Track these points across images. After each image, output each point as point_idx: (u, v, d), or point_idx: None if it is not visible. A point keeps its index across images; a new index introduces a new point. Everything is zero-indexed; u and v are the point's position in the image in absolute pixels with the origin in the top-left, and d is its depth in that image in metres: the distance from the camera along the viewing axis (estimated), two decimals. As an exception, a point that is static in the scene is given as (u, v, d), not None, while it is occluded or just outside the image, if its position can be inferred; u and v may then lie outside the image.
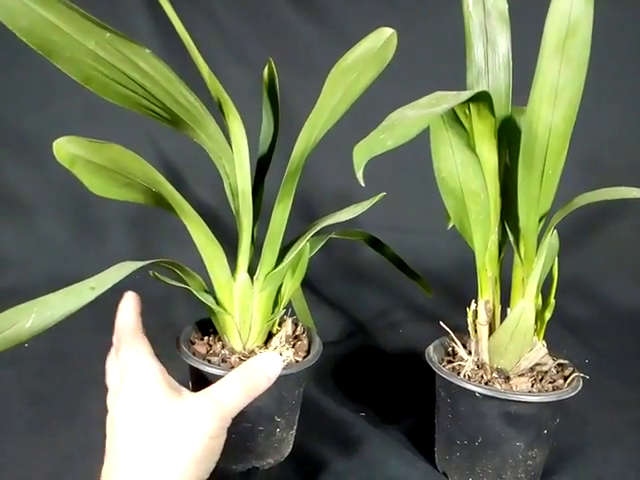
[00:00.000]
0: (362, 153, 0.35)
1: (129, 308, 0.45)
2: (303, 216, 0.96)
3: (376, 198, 0.45)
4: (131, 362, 0.41)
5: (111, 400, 0.43)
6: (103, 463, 0.39)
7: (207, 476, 0.39)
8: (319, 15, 1.17)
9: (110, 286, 0.38)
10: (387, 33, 0.47)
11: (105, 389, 0.44)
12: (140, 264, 0.42)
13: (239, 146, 0.47)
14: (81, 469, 0.54)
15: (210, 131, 0.45)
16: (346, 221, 0.47)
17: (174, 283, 0.46)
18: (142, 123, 1.09)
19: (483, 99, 0.46)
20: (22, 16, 0.33)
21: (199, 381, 0.47)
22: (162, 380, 0.40)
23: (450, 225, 0.54)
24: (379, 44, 0.47)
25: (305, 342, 0.53)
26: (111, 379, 0.45)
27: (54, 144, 0.37)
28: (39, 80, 1.05)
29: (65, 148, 0.38)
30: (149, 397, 0.39)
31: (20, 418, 0.62)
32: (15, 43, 0.35)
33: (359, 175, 0.34)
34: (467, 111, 0.49)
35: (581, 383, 0.50)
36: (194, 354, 0.48)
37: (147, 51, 0.38)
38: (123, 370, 0.41)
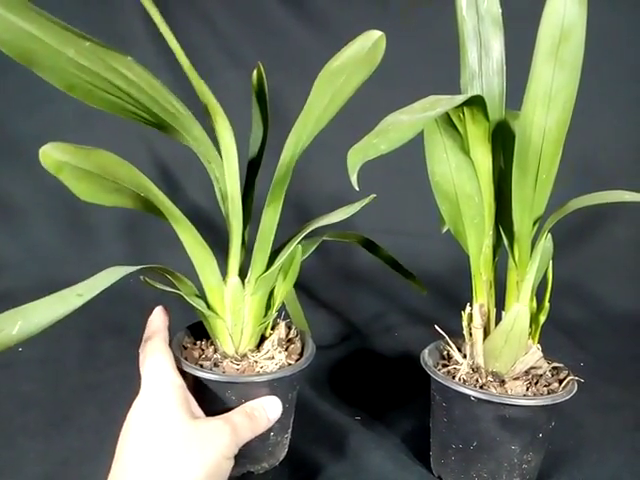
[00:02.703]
0: (356, 157, 0.35)
1: (158, 321, 0.47)
2: (300, 220, 0.96)
3: (366, 200, 0.45)
4: (153, 372, 0.42)
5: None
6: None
7: None
8: (314, 19, 1.17)
9: (98, 292, 0.38)
10: (375, 35, 0.46)
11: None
12: (129, 269, 0.41)
13: (227, 150, 0.46)
14: (75, 475, 0.54)
15: (196, 135, 0.45)
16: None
17: (165, 288, 0.46)
18: (137, 126, 1.08)
19: (477, 103, 0.46)
20: (3, 30, 0.33)
21: (192, 386, 0.46)
22: (181, 395, 0.42)
23: (444, 229, 0.55)
24: (367, 46, 0.46)
25: (298, 345, 0.53)
26: None
27: (40, 151, 0.37)
28: (33, 84, 1.04)
29: (51, 155, 0.37)
30: (167, 410, 0.40)
31: (14, 423, 0.62)
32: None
33: (353, 179, 0.35)
34: (461, 115, 0.49)
35: (576, 386, 0.50)
36: (186, 359, 0.48)
37: (129, 58, 0.38)
38: (144, 378, 0.42)
